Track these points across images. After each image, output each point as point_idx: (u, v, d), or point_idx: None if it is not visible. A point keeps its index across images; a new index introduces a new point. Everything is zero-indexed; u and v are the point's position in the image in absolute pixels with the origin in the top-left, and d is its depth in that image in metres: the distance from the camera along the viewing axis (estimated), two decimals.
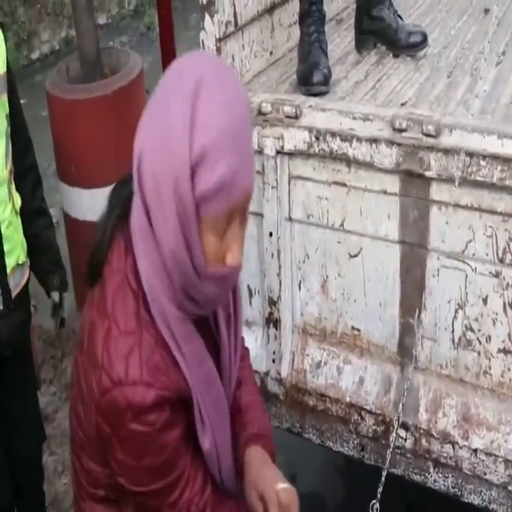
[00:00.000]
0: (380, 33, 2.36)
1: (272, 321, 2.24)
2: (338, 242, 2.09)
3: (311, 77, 2.17)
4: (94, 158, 3.44)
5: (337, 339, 2.20)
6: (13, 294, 2.02)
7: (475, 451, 1.97)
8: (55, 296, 2.34)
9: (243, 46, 2.30)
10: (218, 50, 2.14)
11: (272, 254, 2.16)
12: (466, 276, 1.90)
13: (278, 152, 2.05)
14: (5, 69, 1.96)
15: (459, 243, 1.88)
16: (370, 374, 2.13)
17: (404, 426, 2.04)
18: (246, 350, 1.44)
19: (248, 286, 2.29)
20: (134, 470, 1.13)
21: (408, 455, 2.08)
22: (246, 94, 1.09)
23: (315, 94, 2.15)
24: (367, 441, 2.17)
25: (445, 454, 2.01)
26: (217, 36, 2.13)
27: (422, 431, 2.03)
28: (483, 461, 1.96)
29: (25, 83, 6.26)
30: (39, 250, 2.22)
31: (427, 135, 1.83)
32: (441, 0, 2.92)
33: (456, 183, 1.78)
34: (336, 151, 1.97)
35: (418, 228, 1.94)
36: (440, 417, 2.01)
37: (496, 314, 1.90)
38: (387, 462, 1.95)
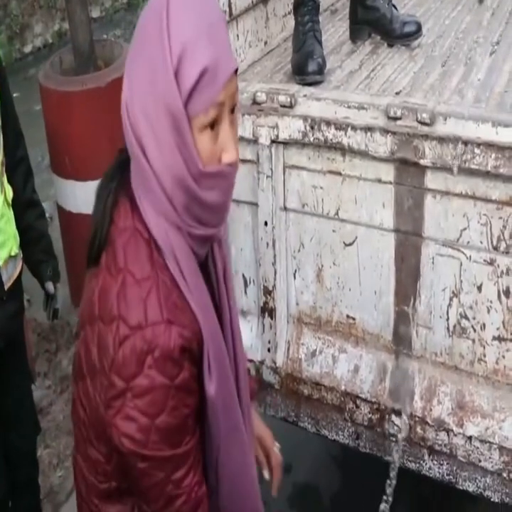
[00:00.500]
0: (374, 22, 2.36)
1: (267, 311, 2.24)
2: (333, 231, 2.10)
3: (306, 67, 2.17)
4: (88, 150, 3.44)
5: (332, 328, 2.21)
6: (6, 286, 2.02)
7: (470, 438, 1.98)
8: (50, 286, 2.34)
9: (238, 36, 2.30)
10: None
11: (267, 244, 2.17)
12: (461, 264, 1.91)
13: (273, 141, 2.05)
14: None
15: (453, 231, 1.88)
16: (365, 362, 2.14)
17: (399, 414, 2.05)
18: None
19: (243, 276, 2.30)
20: (146, 429, 1.06)
21: (403, 443, 2.09)
22: None
23: (310, 84, 2.15)
24: (362, 430, 2.17)
25: (440, 442, 2.02)
26: None
27: (416, 419, 2.03)
28: (477, 448, 1.97)
29: (19, 77, 6.25)
30: (31, 241, 2.23)
31: (422, 123, 1.83)
32: None
33: (455, 171, 1.79)
34: (331, 140, 1.97)
35: (413, 217, 1.94)
36: (435, 404, 2.02)
37: (491, 302, 1.90)
38: (396, 458, 1.95)
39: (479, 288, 1.91)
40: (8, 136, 2.06)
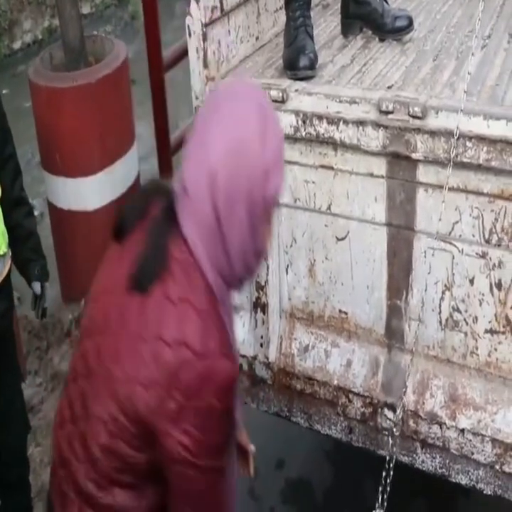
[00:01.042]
0: (366, 17, 2.36)
1: (260, 306, 2.24)
2: (325, 226, 2.10)
3: (298, 62, 2.17)
4: (79, 147, 3.42)
5: (324, 323, 2.21)
6: None
7: (462, 431, 1.98)
8: (36, 286, 2.32)
9: (229, 31, 2.29)
10: (204, 35, 2.13)
11: None
12: (453, 257, 1.92)
13: None
14: None
15: (445, 225, 1.89)
16: (358, 357, 2.15)
17: (391, 407, 2.05)
18: None
19: None
20: (199, 442, 1.20)
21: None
22: None
23: (301, 79, 2.15)
24: (355, 424, 2.18)
25: (432, 435, 2.03)
26: (203, 21, 2.12)
27: (409, 412, 2.04)
28: (470, 441, 1.98)
29: (8, 73, 6.20)
30: (20, 239, 2.22)
31: (414, 117, 1.84)
32: None
33: (450, 165, 1.79)
34: (323, 134, 1.97)
35: (405, 210, 1.95)
36: (427, 397, 2.02)
37: (483, 295, 1.91)
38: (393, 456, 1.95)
39: (471, 281, 1.92)
40: None
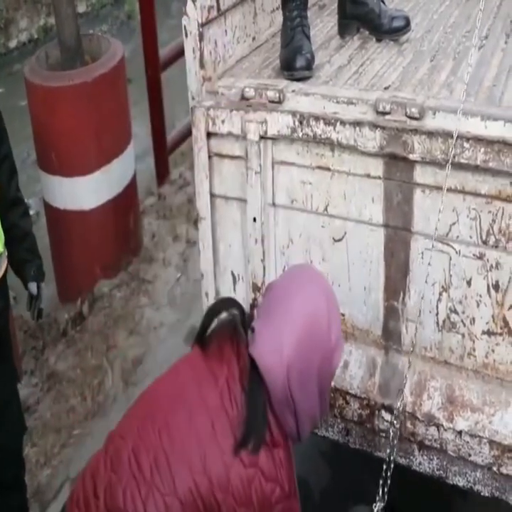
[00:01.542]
0: (363, 17, 2.35)
1: (256, 308, 2.23)
2: (322, 227, 2.09)
3: (294, 62, 2.16)
4: (75, 146, 3.42)
5: None
6: None
7: (460, 433, 1.98)
8: (33, 286, 2.31)
9: (226, 31, 2.29)
10: (200, 35, 2.12)
11: (256, 240, 2.16)
12: (450, 258, 1.91)
13: (261, 137, 2.04)
14: None
15: (443, 226, 1.88)
16: (355, 358, 2.14)
17: (389, 409, 2.05)
18: None
19: (232, 273, 2.28)
20: None
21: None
22: None
23: (298, 79, 2.15)
24: (352, 426, 2.17)
25: (430, 437, 2.03)
26: (200, 21, 2.11)
27: (406, 414, 2.03)
28: (467, 442, 1.98)
29: (3, 72, 6.19)
30: (16, 239, 2.21)
31: (411, 118, 1.83)
32: None
33: (448, 166, 1.78)
34: (320, 135, 1.97)
35: (402, 211, 1.94)
36: (425, 399, 2.02)
37: (480, 296, 1.91)
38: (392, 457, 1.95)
39: (469, 282, 1.91)
40: None
